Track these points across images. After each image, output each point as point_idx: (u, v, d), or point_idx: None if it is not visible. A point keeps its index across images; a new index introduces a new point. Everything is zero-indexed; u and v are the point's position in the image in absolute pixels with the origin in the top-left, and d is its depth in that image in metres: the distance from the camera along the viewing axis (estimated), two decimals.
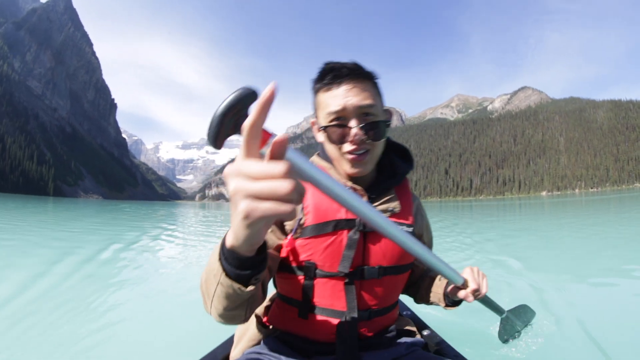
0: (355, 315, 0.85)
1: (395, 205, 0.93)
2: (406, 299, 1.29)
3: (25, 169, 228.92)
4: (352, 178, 0.92)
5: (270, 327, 0.95)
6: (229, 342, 1.11)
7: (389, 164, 0.97)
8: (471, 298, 0.90)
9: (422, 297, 1.11)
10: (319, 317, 0.87)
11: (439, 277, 1.05)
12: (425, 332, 1.15)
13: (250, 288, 0.61)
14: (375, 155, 0.89)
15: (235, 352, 0.98)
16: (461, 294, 0.91)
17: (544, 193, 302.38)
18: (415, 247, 0.71)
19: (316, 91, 0.89)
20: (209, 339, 1.19)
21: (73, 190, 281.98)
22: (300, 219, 0.86)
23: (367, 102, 0.83)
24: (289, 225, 0.87)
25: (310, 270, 0.85)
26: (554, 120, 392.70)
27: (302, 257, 0.85)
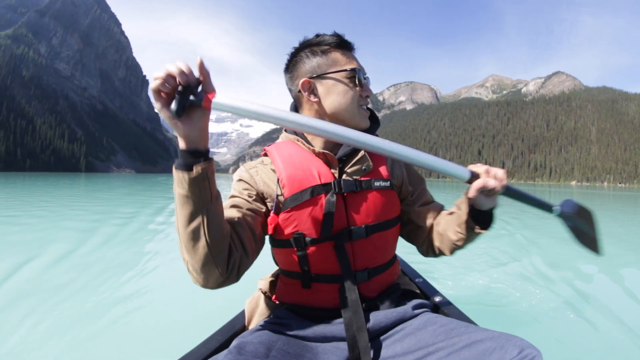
0: (353, 276, 0.87)
1: (367, 164, 0.94)
2: (418, 267, 1.30)
3: (57, 148, 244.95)
4: (325, 145, 0.96)
5: (278, 302, 0.99)
6: (240, 317, 1.14)
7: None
8: (492, 182, 0.80)
9: (443, 243, 1.00)
10: (321, 285, 0.90)
11: (449, 212, 0.99)
12: (437, 299, 1.16)
13: (197, 170, 0.68)
14: None
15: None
16: (478, 182, 0.82)
17: (573, 183, 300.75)
18: (408, 152, 0.73)
19: (326, 51, 0.95)
20: (225, 316, 1.18)
21: (105, 165, 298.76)
22: (278, 195, 0.88)
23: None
24: (269, 202, 0.91)
25: (300, 241, 0.87)
26: (586, 108, 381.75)
27: (290, 229, 0.87)
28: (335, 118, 0.94)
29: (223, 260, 0.76)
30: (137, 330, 2.13)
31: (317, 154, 0.92)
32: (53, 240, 4.81)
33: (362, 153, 0.95)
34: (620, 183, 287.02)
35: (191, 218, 0.71)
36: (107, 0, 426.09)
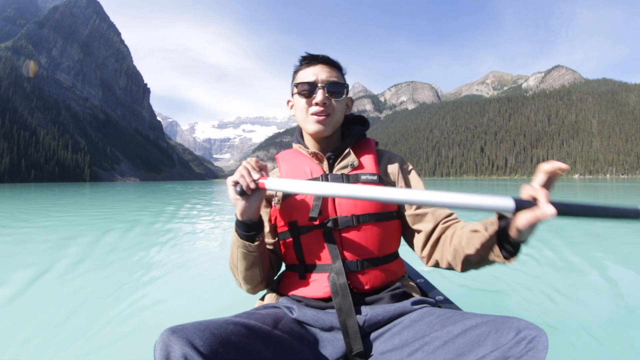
0: (341, 265, 0.92)
1: (353, 160, 1.05)
2: (417, 264, 1.31)
3: (60, 158, 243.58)
4: (317, 141, 1.10)
5: (283, 295, 1.06)
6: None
7: (349, 131, 1.14)
8: (551, 210, 0.61)
9: (457, 259, 0.92)
10: (314, 274, 0.97)
11: (472, 229, 0.86)
12: (438, 297, 1.16)
13: (256, 243, 0.93)
14: (336, 119, 1.06)
15: None
16: (533, 215, 0.63)
17: (576, 176, 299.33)
18: (398, 193, 0.69)
19: (295, 72, 1.09)
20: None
21: (109, 174, 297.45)
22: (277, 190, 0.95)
23: (334, 78, 1.04)
24: (274, 200, 1.07)
25: (294, 229, 0.99)
26: (587, 101, 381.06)
27: (286, 218, 1.01)
28: (303, 129, 1.11)
29: (269, 279, 1.08)
30: (143, 328, 2.20)
31: (311, 155, 1.06)
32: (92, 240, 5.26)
33: (347, 151, 1.07)
34: (622, 174, 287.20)
35: (251, 265, 0.97)
36: (105, 10, 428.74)
